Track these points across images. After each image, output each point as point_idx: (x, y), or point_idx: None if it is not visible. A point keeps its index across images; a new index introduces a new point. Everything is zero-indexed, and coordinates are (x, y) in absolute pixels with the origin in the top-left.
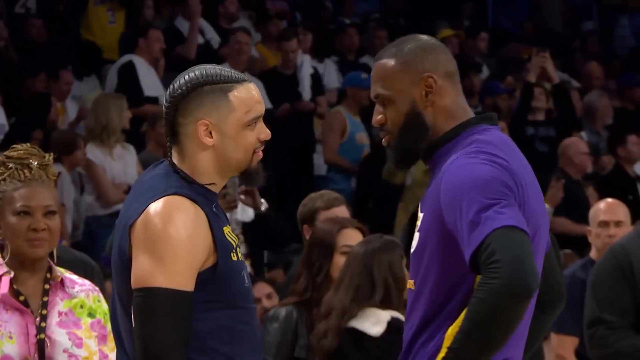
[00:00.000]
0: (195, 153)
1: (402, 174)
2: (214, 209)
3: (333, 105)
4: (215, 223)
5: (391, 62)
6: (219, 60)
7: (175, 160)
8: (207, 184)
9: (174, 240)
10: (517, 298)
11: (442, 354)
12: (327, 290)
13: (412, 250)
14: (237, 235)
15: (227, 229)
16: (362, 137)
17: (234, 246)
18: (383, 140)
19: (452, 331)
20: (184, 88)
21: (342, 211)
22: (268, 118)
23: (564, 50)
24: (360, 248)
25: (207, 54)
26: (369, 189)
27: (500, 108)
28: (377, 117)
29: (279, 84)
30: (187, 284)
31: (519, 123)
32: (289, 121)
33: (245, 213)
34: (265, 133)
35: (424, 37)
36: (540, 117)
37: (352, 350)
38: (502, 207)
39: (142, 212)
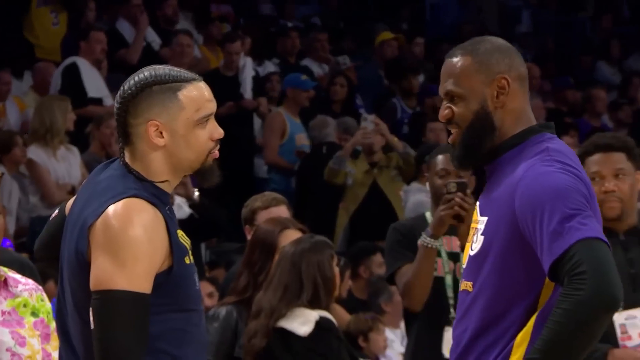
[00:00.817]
0: (148, 154)
1: (343, 175)
2: (168, 211)
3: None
4: (171, 226)
5: (466, 60)
6: (160, 62)
7: (128, 160)
8: (160, 182)
9: (135, 243)
10: (604, 309)
11: None
12: None
13: (471, 252)
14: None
15: (180, 232)
16: (302, 138)
17: (188, 249)
18: (449, 138)
19: (521, 339)
20: (133, 89)
21: (282, 211)
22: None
23: None
24: (290, 248)
25: (148, 56)
26: (309, 190)
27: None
28: (444, 112)
29: (221, 85)
30: (147, 286)
31: None
32: (231, 122)
33: (181, 210)
34: (217, 132)
35: (500, 39)
36: None
37: (281, 350)
38: (583, 218)
39: (101, 214)
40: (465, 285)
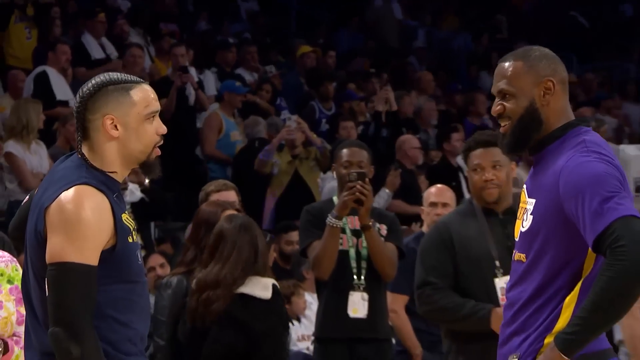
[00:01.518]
0: (103, 144)
1: (270, 165)
2: (116, 197)
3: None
4: (117, 210)
5: (518, 64)
6: (117, 71)
7: (85, 152)
8: (110, 172)
9: (84, 223)
10: None
11: (563, 320)
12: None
13: (522, 229)
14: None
15: (125, 216)
16: (236, 135)
17: (131, 230)
18: (501, 128)
19: (569, 301)
20: (91, 89)
21: (231, 195)
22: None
23: (400, 62)
24: (229, 224)
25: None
26: (243, 177)
27: (355, 111)
28: (497, 107)
29: (169, 89)
30: (94, 259)
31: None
32: (177, 119)
33: (133, 195)
34: (162, 128)
35: (547, 49)
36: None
37: (242, 312)
38: (619, 199)
39: (55, 199)
40: (519, 256)
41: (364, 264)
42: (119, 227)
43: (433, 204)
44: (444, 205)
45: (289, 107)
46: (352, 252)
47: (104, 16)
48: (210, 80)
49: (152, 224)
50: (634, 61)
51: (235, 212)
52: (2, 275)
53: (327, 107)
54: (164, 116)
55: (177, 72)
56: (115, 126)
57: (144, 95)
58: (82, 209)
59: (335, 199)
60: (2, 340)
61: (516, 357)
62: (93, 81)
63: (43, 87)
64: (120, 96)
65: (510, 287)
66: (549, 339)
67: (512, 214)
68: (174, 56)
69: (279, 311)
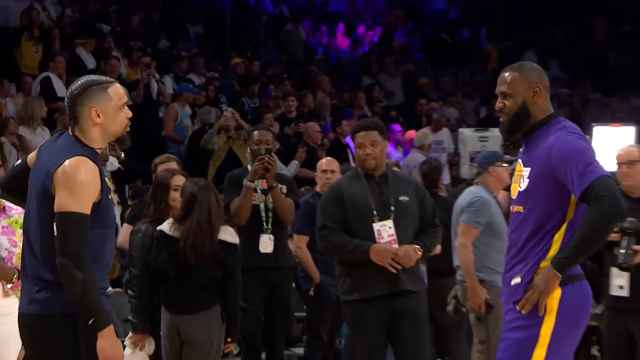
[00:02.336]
0: (89, 128)
1: (212, 143)
2: (101, 166)
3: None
4: (102, 175)
5: (515, 74)
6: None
7: (77, 134)
8: (96, 148)
9: (82, 183)
10: (617, 217)
11: (553, 251)
12: (167, 214)
13: (520, 189)
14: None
15: (106, 179)
16: (188, 122)
17: (111, 190)
18: (500, 119)
19: (557, 237)
20: (79, 89)
21: (172, 165)
22: (131, 108)
23: (305, 70)
24: (193, 185)
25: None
26: (194, 152)
27: (271, 106)
28: (499, 104)
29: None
30: (88, 210)
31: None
32: (143, 111)
33: (112, 165)
34: (129, 113)
35: (534, 64)
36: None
37: (222, 252)
38: (596, 165)
39: (61, 165)
40: (517, 208)
41: (270, 214)
42: (104, 188)
43: (324, 171)
44: (332, 172)
45: (226, 102)
46: (262, 205)
47: (93, 40)
48: (169, 83)
49: (127, 187)
50: (470, 70)
51: (184, 176)
52: (16, 223)
53: (253, 102)
54: (135, 107)
55: (143, 72)
56: (98, 115)
57: (117, 91)
58: (81, 173)
59: (249, 167)
60: (17, 270)
61: (519, 277)
62: (79, 82)
63: (46, 87)
64: (101, 93)
65: (512, 232)
66: (544, 264)
67: (385, 177)
68: (142, 64)
69: (237, 253)
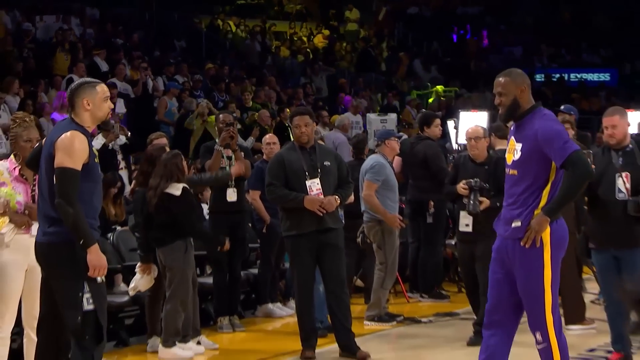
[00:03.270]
0: (82, 114)
1: (192, 124)
2: (89, 139)
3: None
4: (90, 144)
5: (507, 79)
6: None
7: (73, 117)
8: (86, 127)
9: (76, 147)
10: (588, 179)
11: (542, 202)
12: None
13: (515, 159)
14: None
15: (94, 148)
16: (175, 110)
17: (96, 155)
18: (499, 111)
19: (545, 192)
20: (76, 85)
21: (162, 140)
22: (132, 100)
23: (260, 73)
24: (165, 154)
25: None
26: (178, 131)
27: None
28: (497, 100)
29: (137, 85)
30: (79, 167)
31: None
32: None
33: (121, 140)
34: (111, 105)
35: (519, 69)
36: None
37: (167, 203)
38: (571, 143)
39: (61, 135)
40: (513, 172)
41: None
42: (91, 154)
43: (268, 143)
44: (274, 144)
45: (202, 95)
46: (227, 167)
47: (105, 51)
48: (160, 82)
49: (130, 156)
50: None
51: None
52: None
53: (222, 96)
54: (135, 99)
55: (142, 73)
56: (88, 104)
57: (103, 89)
58: (75, 142)
59: (217, 140)
60: None
61: (519, 221)
62: (77, 82)
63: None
64: (91, 89)
65: (509, 188)
66: (537, 212)
67: (313, 148)
68: (141, 68)
69: (184, 201)
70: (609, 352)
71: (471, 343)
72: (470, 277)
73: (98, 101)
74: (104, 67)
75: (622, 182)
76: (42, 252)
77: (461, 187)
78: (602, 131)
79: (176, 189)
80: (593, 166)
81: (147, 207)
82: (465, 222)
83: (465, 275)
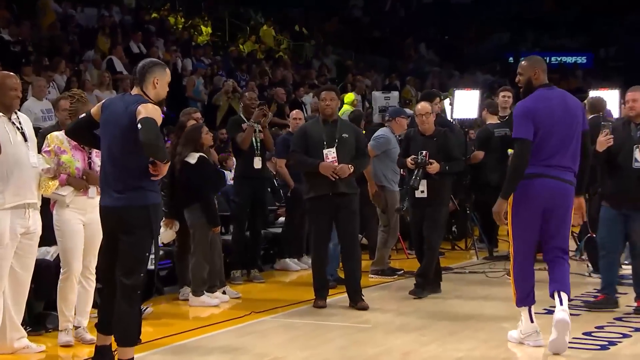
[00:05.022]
0: (151, 91)
1: (219, 100)
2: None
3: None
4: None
5: (525, 62)
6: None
7: (143, 92)
8: (156, 102)
9: (154, 111)
10: (519, 166)
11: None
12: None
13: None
14: None
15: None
16: (201, 87)
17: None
18: (520, 88)
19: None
20: (150, 64)
21: (197, 113)
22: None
23: (278, 56)
24: (190, 127)
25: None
26: (207, 106)
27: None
28: (517, 79)
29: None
30: (160, 121)
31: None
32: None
33: None
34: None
35: (537, 56)
36: None
37: (185, 169)
38: (518, 128)
39: (139, 106)
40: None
41: (259, 145)
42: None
43: (294, 118)
44: (300, 119)
45: (225, 76)
46: (254, 139)
47: (140, 34)
48: (189, 63)
49: (164, 129)
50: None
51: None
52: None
53: (243, 75)
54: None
55: (173, 55)
56: (156, 83)
57: (168, 72)
58: (151, 108)
59: (241, 115)
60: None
61: None
62: (150, 61)
63: (110, 65)
64: (162, 70)
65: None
66: None
67: (335, 122)
68: (172, 51)
69: (199, 169)
70: (595, 296)
71: (413, 293)
72: (420, 237)
73: (165, 82)
74: (137, 49)
75: (639, 153)
76: (118, 214)
77: (409, 162)
78: (624, 105)
79: (193, 158)
80: (612, 137)
81: (171, 172)
82: (421, 189)
83: (415, 235)
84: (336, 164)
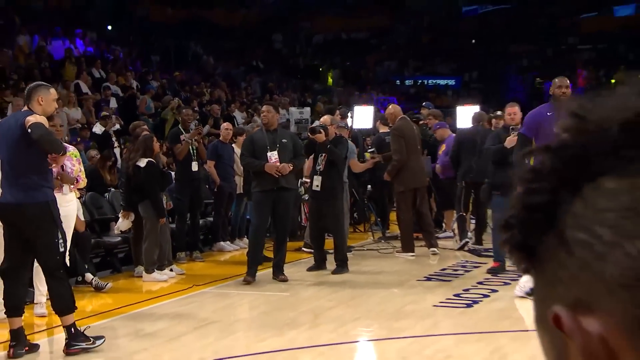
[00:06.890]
0: (37, 107)
1: (166, 115)
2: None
3: None
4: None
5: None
6: None
7: (29, 108)
8: (45, 116)
9: (39, 119)
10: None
11: None
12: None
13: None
14: None
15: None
16: (152, 105)
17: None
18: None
19: None
20: (34, 86)
21: (145, 126)
22: (121, 99)
23: (214, 79)
24: (142, 136)
25: None
26: (158, 121)
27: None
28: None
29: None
30: (47, 125)
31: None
32: (129, 100)
33: (115, 127)
34: (56, 105)
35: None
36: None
37: (136, 172)
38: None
39: (27, 117)
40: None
41: (196, 152)
42: None
43: (225, 129)
44: (229, 129)
45: (171, 94)
46: (192, 148)
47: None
48: (142, 85)
49: (121, 138)
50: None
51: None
52: (72, 154)
53: (186, 94)
54: (125, 98)
55: (127, 80)
56: (41, 101)
57: (53, 92)
58: (40, 117)
59: (180, 128)
60: (76, 178)
61: None
62: (35, 84)
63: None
64: (45, 90)
65: None
66: None
67: (275, 130)
68: (128, 76)
69: (147, 171)
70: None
71: (335, 272)
72: (317, 226)
73: (50, 100)
74: (100, 74)
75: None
76: (20, 211)
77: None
78: None
79: (142, 162)
80: (516, 137)
81: (126, 174)
82: (316, 184)
83: (313, 223)
84: (278, 163)
